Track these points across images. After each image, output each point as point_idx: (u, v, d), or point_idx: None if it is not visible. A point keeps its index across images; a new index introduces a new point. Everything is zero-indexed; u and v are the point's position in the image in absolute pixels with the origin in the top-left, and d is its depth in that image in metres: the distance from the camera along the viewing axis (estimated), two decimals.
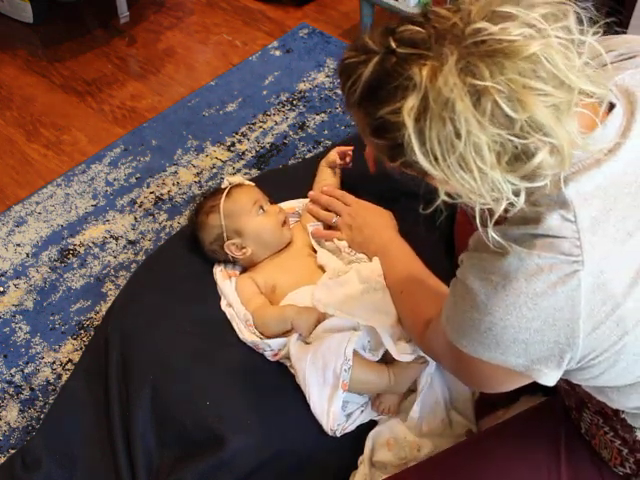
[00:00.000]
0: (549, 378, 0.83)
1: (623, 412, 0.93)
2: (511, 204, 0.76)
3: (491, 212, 0.78)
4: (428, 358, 1.25)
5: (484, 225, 0.79)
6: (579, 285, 0.77)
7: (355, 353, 1.25)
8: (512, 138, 0.71)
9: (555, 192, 0.77)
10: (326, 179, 1.56)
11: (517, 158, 0.73)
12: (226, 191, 1.46)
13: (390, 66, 0.74)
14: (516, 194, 0.75)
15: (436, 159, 0.73)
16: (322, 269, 1.45)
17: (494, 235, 0.78)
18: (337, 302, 1.30)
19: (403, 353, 1.25)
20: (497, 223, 0.80)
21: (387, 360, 1.29)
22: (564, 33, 0.72)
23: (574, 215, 0.77)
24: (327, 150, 1.79)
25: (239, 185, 1.50)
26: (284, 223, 1.46)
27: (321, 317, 1.30)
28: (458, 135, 0.71)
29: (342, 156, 1.55)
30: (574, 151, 0.74)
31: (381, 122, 0.76)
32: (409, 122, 0.72)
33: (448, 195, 0.78)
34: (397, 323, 1.28)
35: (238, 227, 1.43)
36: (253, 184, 1.53)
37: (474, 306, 0.82)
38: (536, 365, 0.82)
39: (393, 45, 0.74)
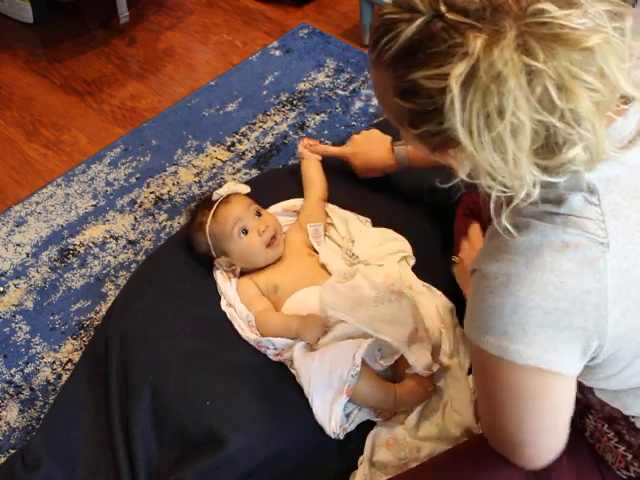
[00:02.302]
0: (572, 369, 0.80)
1: (633, 417, 0.92)
2: (526, 195, 0.74)
3: (508, 200, 0.75)
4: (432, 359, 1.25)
5: (497, 214, 0.77)
6: (606, 268, 0.74)
7: (366, 365, 1.25)
8: (557, 125, 0.69)
9: (575, 178, 0.76)
10: (312, 175, 1.58)
11: (550, 148, 0.71)
12: (212, 210, 1.43)
13: (435, 30, 0.72)
14: (533, 185, 0.73)
15: (470, 133, 0.71)
16: (324, 268, 1.45)
17: (506, 224, 0.76)
18: (348, 308, 1.30)
19: (421, 362, 1.25)
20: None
21: (396, 379, 1.29)
22: (618, 34, 0.71)
23: (598, 199, 0.76)
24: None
25: (228, 199, 1.46)
26: (272, 239, 1.43)
27: (327, 324, 1.30)
28: (501, 112, 0.69)
29: (307, 146, 1.60)
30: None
31: (412, 85, 0.74)
32: (455, 89, 0.69)
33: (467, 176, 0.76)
34: (414, 332, 1.28)
35: (224, 249, 1.43)
36: (245, 191, 1.50)
37: (494, 290, 0.78)
38: (562, 356, 0.78)
39: (443, 9, 0.72)
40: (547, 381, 0.80)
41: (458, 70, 0.69)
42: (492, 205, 0.76)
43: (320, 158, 1.60)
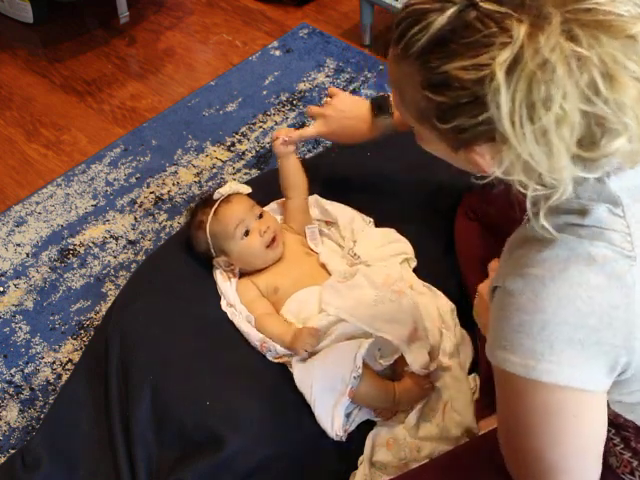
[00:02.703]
0: (601, 385, 0.77)
1: None
2: (561, 193, 0.71)
3: (546, 197, 0.73)
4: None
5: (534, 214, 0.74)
6: (634, 282, 0.72)
7: (366, 366, 1.25)
8: (602, 115, 0.67)
9: (598, 186, 0.74)
10: (294, 174, 1.50)
11: (592, 140, 0.69)
12: (213, 209, 1.43)
13: (469, 20, 0.69)
14: (570, 182, 0.71)
15: (513, 123, 0.68)
16: (324, 267, 1.45)
17: (544, 223, 0.73)
18: (348, 307, 1.31)
19: (418, 361, 1.25)
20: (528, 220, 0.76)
21: (395, 378, 1.29)
22: None
23: (622, 210, 0.74)
24: (327, 150, 1.80)
25: (229, 198, 1.45)
26: (272, 241, 1.42)
27: (319, 335, 1.30)
28: (547, 101, 0.66)
29: (284, 141, 1.46)
30: None
31: (445, 77, 0.71)
32: (500, 75, 0.67)
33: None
34: (413, 332, 1.28)
35: (223, 248, 1.43)
36: (246, 191, 1.50)
37: (521, 308, 0.75)
38: (590, 373, 0.75)
39: None
40: (576, 399, 0.77)
41: (502, 57, 0.67)
42: (528, 205, 0.74)
43: (297, 155, 1.51)
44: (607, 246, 0.73)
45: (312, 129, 1.46)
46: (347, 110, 1.41)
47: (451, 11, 0.70)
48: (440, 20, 0.71)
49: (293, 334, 1.31)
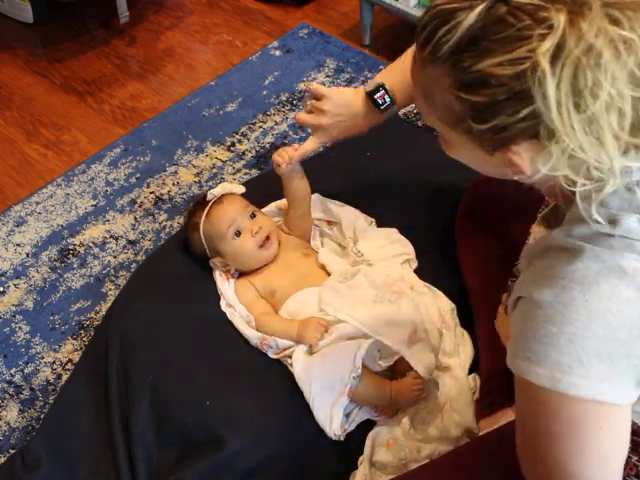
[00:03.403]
0: (628, 398, 0.76)
1: None
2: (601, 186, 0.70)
3: (597, 190, 0.71)
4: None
5: (555, 223, 0.73)
6: None
7: (365, 366, 1.25)
8: None
9: (628, 196, 0.73)
10: (300, 188, 1.45)
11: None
12: (205, 211, 1.43)
13: (500, 15, 0.68)
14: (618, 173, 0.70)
15: (560, 114, 0.67)
16: (323, 268, 1.45)
17: (598, 217, 0.71)
18: (347, 307, 1.31)
19: (423, 363, 1.25)
20: (556, 225, 0.75)
21: (393, 377, 1.29)
22: None
23: None
24: (327, 150, 1.79)
25: (221, 199, 1.44)
26: (266, 240, 1.42)
27: (326, 326, 1.30)
28: (595, 88, 0.66)
29: (285, 162, 1.38)
30: None
31: (480, 76, 0.70)
32: (546, 65, 0.65)
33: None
34: (413, 334, 1.28)
35: (218, 249, 1.43)
36: (240, 191, 1.49)
37: (548, 319, 0.73)
38: (618, 386, 0.74)
39: None
40: (602, 412, 0.76)
41: (544, 47, 0.66)
42: (580, 203, 0.72)
43: (302, 172, 1.44)
44: (637, 258, 0.72)
45: (313, 144, 1.36)
46: (343, 114, 1.31)
47: (480, 8, 0.69)
48: (470, 18, 0.69)
49: (300, 325, 1.31)
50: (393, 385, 1.27)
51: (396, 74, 1.28)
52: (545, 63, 0.66)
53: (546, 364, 0.74)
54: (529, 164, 0.74)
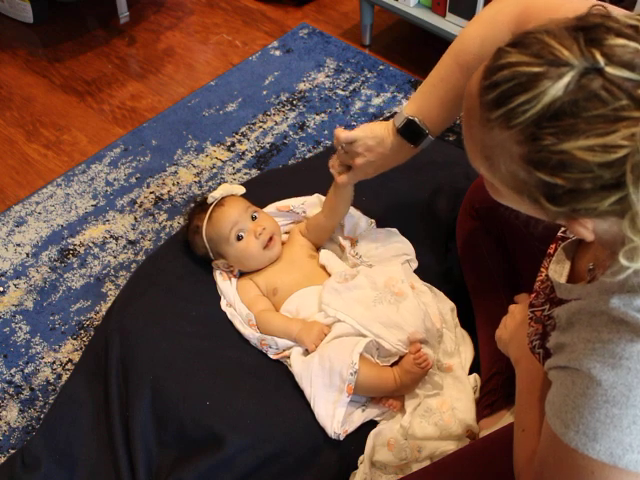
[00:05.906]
0: None
1: None
2: None
3: None
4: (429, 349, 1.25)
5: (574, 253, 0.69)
6: None
7: (365, 358, 1.25)
8: None
9: None
10: (342, 206, 1.42)
11: None
12: (208, 213, 1.42)
13: (593, 89, 0.60)
14: None
15: None
16: (324, 269, 1.45)
17: None
18: (347, 308, 1.31)
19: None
20: (578, 259, 0.73)
21: (393, 363, 1.30)
22: None
23: None
24: (327, 150, 1.80)
25: (222, 201, 1.44)
26: (270, 240, 1.42)
27: (326, 331, 1.31)
28: None
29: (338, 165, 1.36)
30: None
31: (561, 159, 0.62)
32: None
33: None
34: (413, 334, 1.28)
35: (221, 252, 1.43)
36: (240, 192, 1.49)
37: (610, 401, 0.71)
38: None
39: (600, 61, 0.60)
40: None
41: None
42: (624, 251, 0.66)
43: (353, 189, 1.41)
44: None
45: (350, 180, 1.35)
46: (377, 152, 1.26)
47: (569, 77, 0.61)
48: (555, 89, 0.61)
49: (302, 326, 1.31)
50: (395, 369, 1.27)
51: (426, 102, 1.19)
52: None
53: (605, 442, 0.72)
54: (592, 233, 0.69)
